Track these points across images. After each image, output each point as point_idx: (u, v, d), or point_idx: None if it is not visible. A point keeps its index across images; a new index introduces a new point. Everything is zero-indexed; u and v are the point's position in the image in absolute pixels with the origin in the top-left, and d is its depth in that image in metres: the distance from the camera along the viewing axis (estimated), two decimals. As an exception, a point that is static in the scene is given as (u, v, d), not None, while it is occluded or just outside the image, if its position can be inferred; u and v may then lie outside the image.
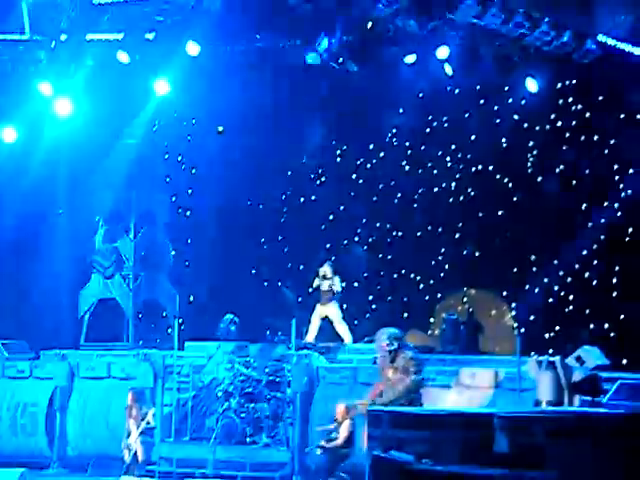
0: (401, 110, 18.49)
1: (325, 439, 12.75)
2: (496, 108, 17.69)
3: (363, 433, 9.20)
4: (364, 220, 18.99)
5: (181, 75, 16.41)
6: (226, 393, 15.56)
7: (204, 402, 15.91)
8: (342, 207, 19.10)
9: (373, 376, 12.60)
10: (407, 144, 18.72)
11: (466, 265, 18.07)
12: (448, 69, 15.86)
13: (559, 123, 17.44)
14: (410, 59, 15.77)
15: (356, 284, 18.28)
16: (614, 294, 16.64)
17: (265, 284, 19.38)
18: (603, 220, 16.87)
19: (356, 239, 19.07)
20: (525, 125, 17.57)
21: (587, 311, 16.74)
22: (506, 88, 17.20)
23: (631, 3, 15.02)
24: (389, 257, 18.76)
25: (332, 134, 18.69)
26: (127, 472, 13.06)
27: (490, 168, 18.06)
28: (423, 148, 18.56)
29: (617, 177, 16.85)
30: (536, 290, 17.29)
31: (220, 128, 19.24)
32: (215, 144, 19.11)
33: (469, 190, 18.24)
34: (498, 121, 17.77)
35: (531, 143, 17.72)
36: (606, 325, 16.47)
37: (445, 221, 18.31)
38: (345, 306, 16.88)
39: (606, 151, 16.92)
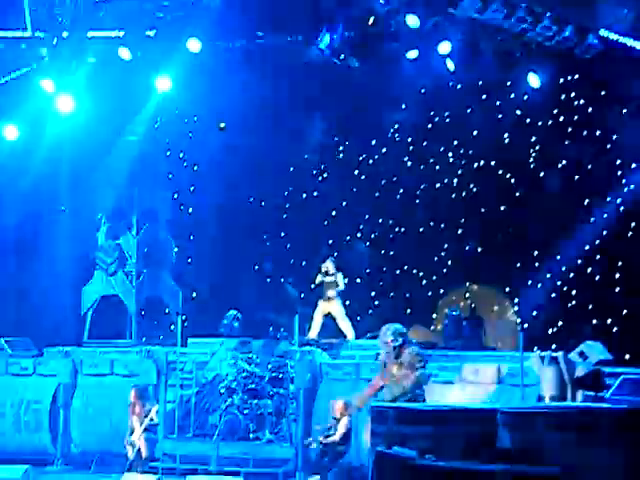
0: (403, 106, 18.49)
1: (323, 434, 12.73)
2: (498, 103, 17.67)
3: (366, 427, 9.19)
4: (366, 216, 18.99)
5: (182, 72, 16.41)
6: (229, 389, 15.57)
7: (207, 398, 15.92)
8: (344, 203, 19.11)
9: (376, 372, 12.59)
10: (409, 140, 18.72)
11: (468, 261, 18.06)
12: (450, 65, 15.84)
13: (561, 118, 17.42)
14: (412, 55, 15.76)
15: (358, 280, 18.27)
16: (617, 289, 16.63)
17: (268, 280, 19.39)
18: (605, 215, 16.86)
19: (358, 235, 19.07)
20: (527, 120, 17.56)
21: (590, 306, 16.73)
22: (508, 83, 17.18)
23: (633, -2, 15.01)
24: (391, 253, 18.76)
25: (334, 130, 18.68)
26: (130, 469, 13.06)
27: (492, 164, 18.06)
28: (425, 144, 18.55)
29: (619, 172, 16.83)
30: (539, 286, 17.29)
31: (222, 124, 19.23)
32: (217, 141, 19.11)
33: (471, 186, 18.23)
34: (500, 116, 17.75)
35: (533, 138, 17.71)
36: (609, 320, 16.47)
37: (447, 217, 18.31)
38: (348, 302, 16.88)
39: (608, 146, 16.90)
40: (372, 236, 19.01)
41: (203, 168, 19.55)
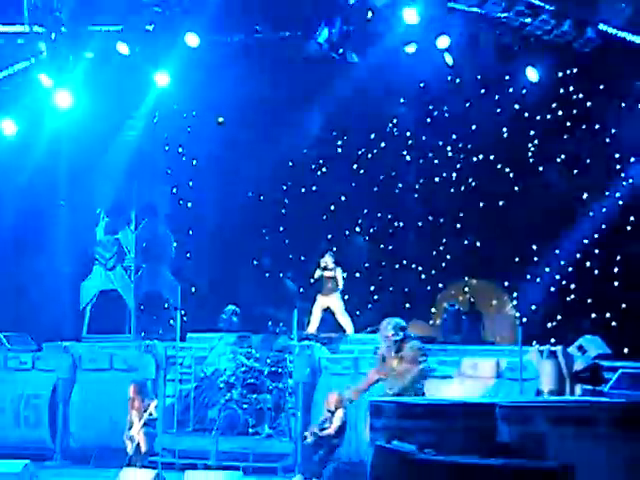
0: (402, 100, 18.49)
1: (319, 427, 12.72)
2: (497, 97, 17.67)
3: (366, 422, 9.19)
4: (365, 210, 19.00)
5: (181, 67, 16.40)
6: (228, 384, 15.58)
7: (206, 393, 15.94)
8: (343, 198, 19.11)
9: (375, 366, 12.59)
10: (408, 134, 18.71)
11: (467, 255, 18.07)
12: (448, 59, 15.83)
13: (560, 112, 17.41)
14: (410, 49, 15.74)
15: (357, 275, 18.28)
16: (615, 283, 16.64)
17: (266, 275, 19.40)
18: (604, 209, 16.87)
19: (357, 229, 19.08)
20: (526, 114, 17.56)
21: (589, 300, 16.75)
22: (507, 77, 17.19)
23: (631, -9, 15.00)
24: (390, 247, 18.76)
25: (332, 125, 18.67)
26: (130, 463, 13.05)
27: (491, 158, 18.06)
28: (424, 138, 18.55)
29: (618, 166, 16.83)
30: (537, 280, 17.29)
31: (220, 119, 19.22)
32: (215, 135, 19.10)
33: (470, 180, 18.23)
34: (499, 110, 17.74)
35: (532, 132, 17.71)
36: (607, 314, 16.48)
37: (446, 211, 18.31)
38: (347, 297, 16.89)
39: (607, 140, 16.90)
40: (371, 230, 19.01)
41: (202, 163, 19.55)
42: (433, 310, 18.05)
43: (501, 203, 17.79)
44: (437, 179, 18.47)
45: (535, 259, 17.33)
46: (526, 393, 13.36)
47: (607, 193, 16.85)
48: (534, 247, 17.32)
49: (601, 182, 16.86)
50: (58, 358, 16.50)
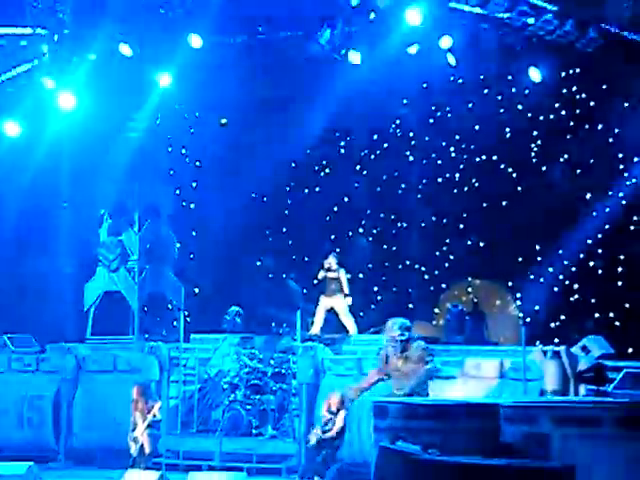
0: (404, 100, 18.48)
1: (321, 429, 12.69)
2: (499, 98, 17.66)
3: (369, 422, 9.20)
4: (368, 211, 18.98)
5: (183, 68, 16.41)
6: (232, 385, 15.59)
7: (210, 394, 15.95)
8: (346, 198, 19.11)
9: (376, 366, 12.58)
10: (411, 134, 18.70)
11: (470, 255, 18.06)
12: (451, 59, 15.83)
13: (563, 112, 17.40)
14: (413, 49, 15.74)
15: (361, 275, 18.27)
16: (619, 283, 16.63)
17: (270, 276, 19.40)
18: (607, 209, 16.84)
19: (360, 230, 19.07)
20: (529, 114, 17.55)
21: (592, 300, 16.73)
22: (509, 77, 17.18)
23: (634, -9, 14.99)
24: (393, 248, 18.75)
25: (335, 125, 18.66)
26: (134, 465, 13.07)
27: (494, 158, 18.04)
28: (427, 138, 18.54)
29: (621, 166, 16.81)
30: (541, 280, 17.28)
31: (223, 120, 19.23)
32: (218, 136, 19.11)
33: (473, 180, 18.22)
34: (502, 111, 17.74)
35: (535, 132, 17.69)
36: (611, 314, 16.46)
37: (449, 211, 18.30)
38: (350, 297, 16.87)
39: (610, 140, 16.89)
40: (374, 231, 19.00)
41: (205, 164, 19.56)
42: (436, 310, 18.04)
43: (504, 203, 17.78)
44: (440, 179, 18.46)
45: (538, 259, 17.33)
46: (530, 393, 13.35)
47: (610, 193, 16.83)
48: (537, 247, 17.31)
49: (604, 182, 16.84)
50: (62, 359, 16.51)
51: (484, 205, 17.96)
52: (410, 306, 17.73)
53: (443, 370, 13.69)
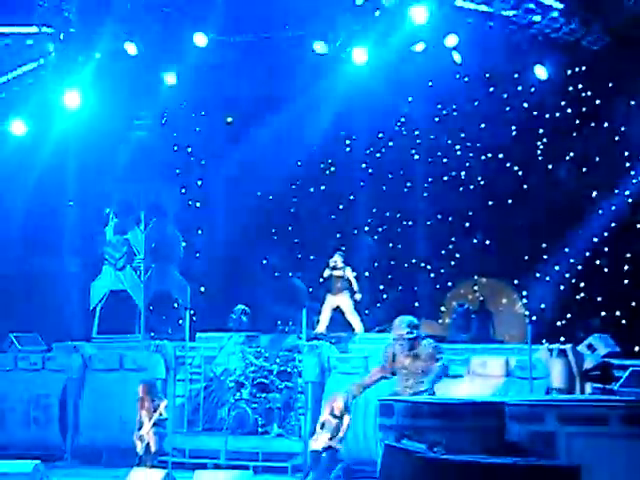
0: (410, 99, 18.47)
1: (330, 435, 12.61)
2: (505, 96, 17.64)
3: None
4: (374, 209, 18.97)
5: (189, 66, 16.42)
6: (238, 383, 15.60)
7: (216, 393, 15.95)
8: (352, 197, 19.10)
9: (380, 364, 12.57)
10: (416, 133, 18.69)
11: (477, 254, 18.04)
12: (457, 57, 15.82)
13: (569, 110, 17.37)
14: (419, 47, 15.73)
15: (367, 274, 18.26)
16: (625, 281, 16.60)
17: (276, 274, 19.40)
18: (613, 207, 16.82)
19: (366, 228, 19.06)
20: (535, 112, 17.52)
21: (598, 299, 16.71)
22: (515, 75, 17.17)
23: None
24: (399, 246, 18.74)
25: (341, 123, 18.65)
26: (140, 463, 13.08)
27: (500, 156, 18.03)
28: (432, 137, 18.52)
29: (627, 164, 16.79)
30: (547, 278, 17.26)
31: (229, 119, 19.24)
32: (224, 135, 19.12)
33: (479, 178, 18.20)
34: (508, 109, 17.71)
35: (541, 131, 17.67)
36: (617, 312, 16.44)
37: (455, 210, 18.28)
38: (359, 294, 16.83)
39: (616, 138, 16.86)
40: (380, 229, 18.99)
41: (210, 163, 19.57)
42: (442, 309, 18.04)
43: (510, 201, 17.75)
44: (446, 178, 18.44)
45: (544, 257, 17.30)
46: (536, 392, 13.34)
47: (616, 191, 16.80)
48: (543, 245, 17.28)
49: (610, 180, 16.81)
50: (68, 358, 16.53)
51: (490, 203, 17.95)
52: (416, 304, 17.70)
53: (449, 368, 13.68)
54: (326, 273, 16.49)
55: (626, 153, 16.79)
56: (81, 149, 17.74)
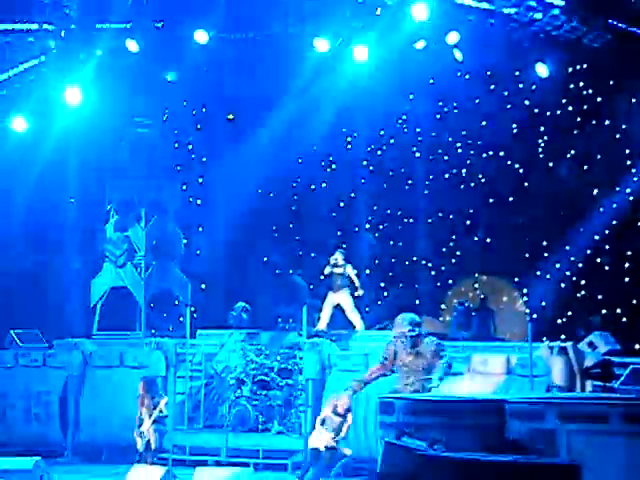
0: (411, 96, 18.46)
1: (334, 436, 12.59)
2: (506, 93, 17.64)
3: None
4: (375, 207, 18.98)
5: (190, 63, 16.41)
6: (238, 381, 15.61)
7: (216, 390, 15.96)
8: (353, 194, 19.11)
9: (380, 361, 12.56)
10: (417, 130, 18.69)
11: (477, 251, 18.05)
12: (458, 55, 15.81)
13: (570, 108, 17.37)
14: (420, 45, 15.72)
15: (367, 271, 18.27)
16: (626, 279, 16.60)
17: (276, 272, 19.41)
18: (615, 205, 16.81)
19: (367, 226, 19.06)
20: (536, 110, 17.51)
21: (599, 296, 16.71)
22: (516, 73, 17.16)
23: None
24: (400, 244, 18.75)
25: (342, 121, 18.65)
26: (140, 460, 13.08)
27: (501, 154, 18.03)
28: (433, 134, 18.52)
29: (628, 162, 16.78)
30: (548, 276, 17.26)
31: (230, 115, 19.23)
32: (225, 132, 19.11)
33: (480, 176, 18.20)
34: (509, 106, 17.72)
35: (542, 128, 17.66)
36: (618, 310, 16.44)
37: (456, 207, 18.28)
38: (362, 291, 16.83)
39: (617, 136, 16.86)
40: (381, 227, 19.00)
41: (211, 160, 19.57)
42: (443, 306, 18.04)
43: (511, 199, 17.76)
44: (447, 175, 18.44)
45: (545, 255, 17.30)
46: (536, 389, 13.33)
47: (617, 189, 16.80)
48: (544, 243, 17.29)
49: (611, 178, 16.81)
50: (68, 355, 16.53)
51: (491, 201, 17.95)
52: (417, 302, 17.72)
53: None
54: (327, 270, 16.49)
55: (627, 151, 16.78)
56: (82, 146, 17.75)
